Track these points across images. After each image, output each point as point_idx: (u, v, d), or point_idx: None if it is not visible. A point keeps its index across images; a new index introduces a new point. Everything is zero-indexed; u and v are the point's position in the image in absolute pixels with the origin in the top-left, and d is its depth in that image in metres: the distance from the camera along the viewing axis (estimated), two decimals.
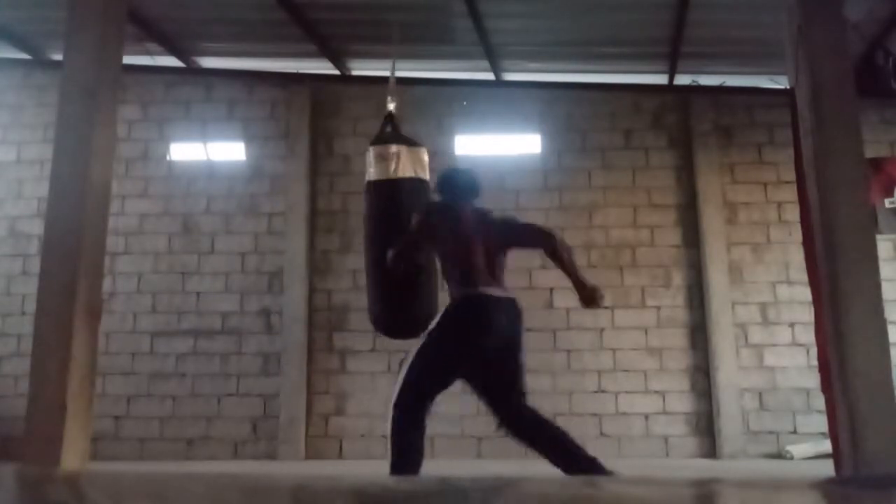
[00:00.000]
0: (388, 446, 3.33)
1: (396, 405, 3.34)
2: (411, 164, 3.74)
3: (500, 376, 3.42)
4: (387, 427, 3.34)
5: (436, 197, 3.80)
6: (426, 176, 3.82)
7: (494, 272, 3.51)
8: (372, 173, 3.87)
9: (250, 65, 7.76)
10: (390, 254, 3.63)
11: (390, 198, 3.82)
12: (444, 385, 3.42)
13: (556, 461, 3.32)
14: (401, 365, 3.47)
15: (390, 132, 3.81)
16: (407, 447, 3.31)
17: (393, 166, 3.78)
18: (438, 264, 3.69)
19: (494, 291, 3.44)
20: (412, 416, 3.34)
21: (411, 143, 3.84)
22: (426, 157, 3.86)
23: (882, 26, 6.33)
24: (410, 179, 3.80)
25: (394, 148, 3.82)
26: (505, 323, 3.40)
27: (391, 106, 3.89)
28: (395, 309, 3.85)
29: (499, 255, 3.56)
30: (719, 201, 7.27)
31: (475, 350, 3.37)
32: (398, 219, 3.70)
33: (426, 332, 3.47)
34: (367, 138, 7.62)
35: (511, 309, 3.44)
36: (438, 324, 3.44)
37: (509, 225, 3.71)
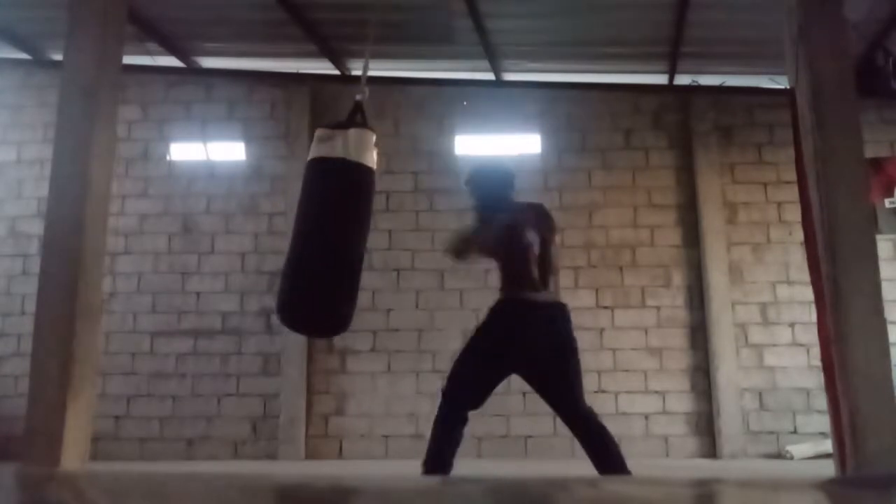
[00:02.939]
0: (430, 436, 3.46)
1: (442, 397, 3.48)
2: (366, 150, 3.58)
3: (551, 379, 3.50)
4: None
5: (472, 195, 3.78)
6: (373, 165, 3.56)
7: (544, 275, 3.56)
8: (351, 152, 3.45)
9: (250, 65, 7.76)
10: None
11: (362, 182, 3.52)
12: (486, 384, 3.51)
13: (600, 468, 3.39)
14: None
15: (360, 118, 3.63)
16: (446, 440, 3.43)
17: (372, 154, 3.53)
18: (498, 259, 3.64)
19: (539, 297, 3.51)
20: (456, 410, 3.47)
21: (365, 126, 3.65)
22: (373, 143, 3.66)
23: (882, 26, 6.33)
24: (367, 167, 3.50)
25: (371, 136, 3.54)
26: (546, 328, 3.47)
27: (362, 96, 3.74)
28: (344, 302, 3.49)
29: (547, 256, 3.61)
30: (719, 201, 7.27)
31: (514, 352, 3.46)
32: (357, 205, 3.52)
33: (479, 324, 3.55)
34: None
35: (556, 314, 3.51)
36: (483, 322, 3.54)
37: (552, 229, 3.71)
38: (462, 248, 3.76)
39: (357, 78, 7.69)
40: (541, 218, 3.68)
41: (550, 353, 3.47)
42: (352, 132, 3.48)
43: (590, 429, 3.42)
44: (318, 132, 3.57)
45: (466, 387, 3.48)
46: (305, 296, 3.40)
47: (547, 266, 3.58)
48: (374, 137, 3.54)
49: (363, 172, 3.48)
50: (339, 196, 3.46)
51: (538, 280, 3.52)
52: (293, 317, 3.47)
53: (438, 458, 3.42)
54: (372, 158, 3.52)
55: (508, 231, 3.56)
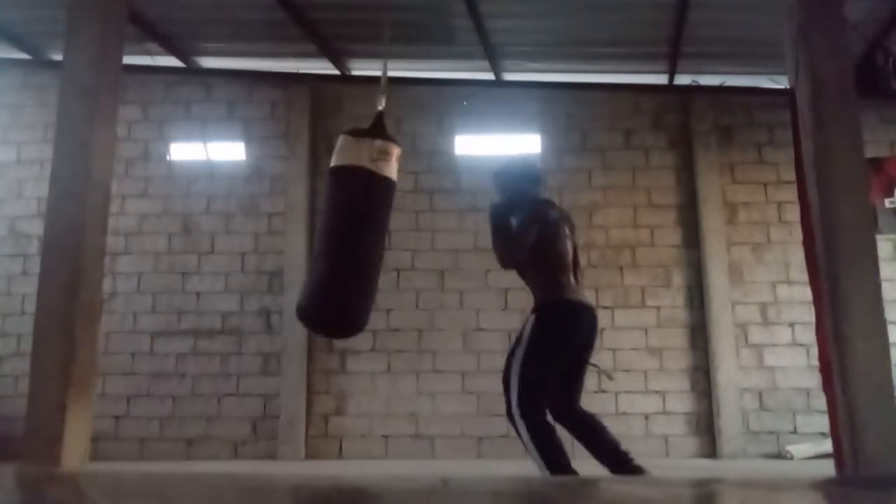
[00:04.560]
0: (535, 458, 3.48)
1: (525, 414, 3.50)
2: (397, 166, 3.70)
3: (577, 374, 3.71)
4: (526, 442, 3.52)
5: (499, 191, 3.87)
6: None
7: (577, 276, 3.76)
8: (381, 167, 3.62)
9: (250, 65, 7.76)
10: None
11: (385, 197, 3.67)
12: (553, 384, 3.62)
13: (601, 459, 3.58)
14: (505, 382, 3.64)
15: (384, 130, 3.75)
16: (556, 447, 3.47)
17: (394, 166, 3.70)
18: (535, 263, 3.69)
19: (584, 298, 3.73)
20: (542, 417, 3.53)
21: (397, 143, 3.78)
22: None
23: (882, 26, 6.33)
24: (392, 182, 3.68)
25: (395, 149, 3.73)
26: (594, 329, 3.72)
27: (382, 105, 3.88)
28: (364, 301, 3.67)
29: (577, 254, 3.81)
30: (719, 201, 7.27)
31: (577, 352, 3.66)
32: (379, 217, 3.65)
33: (523, 340, 3.61)
34: None
35: (595, 316, 3.74)
36: (545, 330, 3.59)
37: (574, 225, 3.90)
38: (514, 252, 3.70)
39: (358, 78, 7.74)
40: (567, 215, 3.83)
41: (590, 352, 3.73)
42: (378, 143, 3.61)
43: (583, 422, 3.64)
44: (345, 139, 3.65)
45: (543, 394, 3.56)
46: (327, 299, 3.54)
47: (578, 264, 3.76)
48: (398, 151, 3.67)
49: (389, 185, 3.63)
50: (367, 207, 3.58)
51: (576, 277, 3.71)
52: (313, 318, 3.61)
53: (561, 470, 3.45)
54: (395, 171, 3.66)
55: (552, 230, 3.68)
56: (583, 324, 3.66)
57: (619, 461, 3.51)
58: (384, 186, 3.63)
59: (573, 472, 3.43)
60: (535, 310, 3.66)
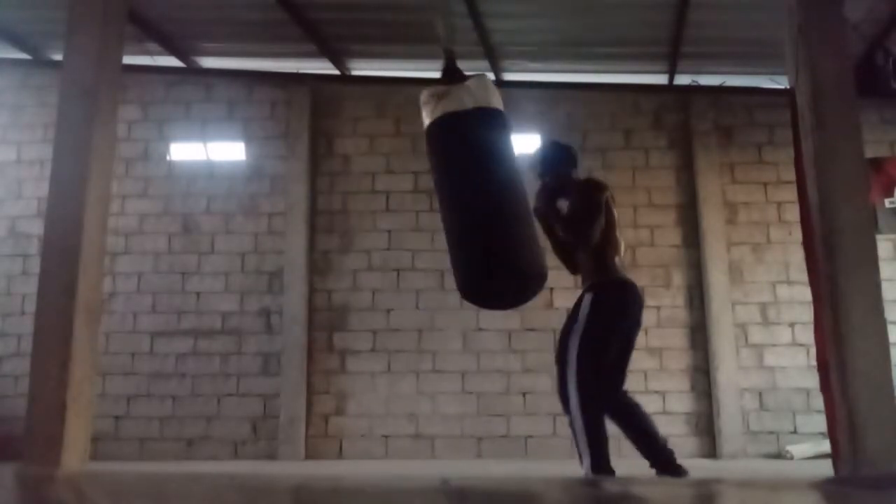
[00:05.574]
0: (582, 442, 3.44)
1: (584, 400, 3.46)
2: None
3: (623, 358, 3.70)
4: (576, 424, 3.46)
5: (540, 174, 3.99)
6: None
7: (621, 256, 3.82)
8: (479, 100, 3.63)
9: (250, 65, 7.76)
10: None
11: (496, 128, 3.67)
12: (610, 370, 3.62)
13: (645, 453, 3.58)
14: (560, 362, 3.62)
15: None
16: (602, 439, 3.46)
17: (452, 99, 3.65)
18: (586, 243, 3.69)
19: (629, 275, 3.79)
20: (601, 406, 3.53)
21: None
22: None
23: (882, 26, 6.33)
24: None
25: (439, 89, 3.73)
26: (642, 309, 3.76)
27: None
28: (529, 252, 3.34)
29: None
30: (719, 201, 7.27)
31: (628, 333, 3.69)
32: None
33: (580, 319, 3.58)
34: (367, 138, 7.70)
35: (643, 296, 3.79)
36: (601, 309, 3.58)
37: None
38: (587, 235, 3.69)
39: (358, 78, 7.75)
40: (610, 196, 3.83)
41: (637, 332, 3.74)
42: (471, 82, 3.73)
43: (628, 410, 3.62)
44: (436, 91, 3.71)
45: (600, 382, 3.54)
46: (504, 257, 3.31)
47: (621, 244, 3.81)
48: (443, 89, 3.72)
49: (453, 118, 3.65)
50: (444, 158, 3.68)
51: (622, 258, 3.77)
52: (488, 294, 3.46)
53: (604, 459, 3.44)
54: (460, 101, 3.66)
55: (596, 211, 3.70)
56: (635, 303, 3.70)
57: (661, 458, 3.51)
58: (447, 122, 3.63)
59: (612, 471, 3.43)
60: (590, 289, 3.67)
